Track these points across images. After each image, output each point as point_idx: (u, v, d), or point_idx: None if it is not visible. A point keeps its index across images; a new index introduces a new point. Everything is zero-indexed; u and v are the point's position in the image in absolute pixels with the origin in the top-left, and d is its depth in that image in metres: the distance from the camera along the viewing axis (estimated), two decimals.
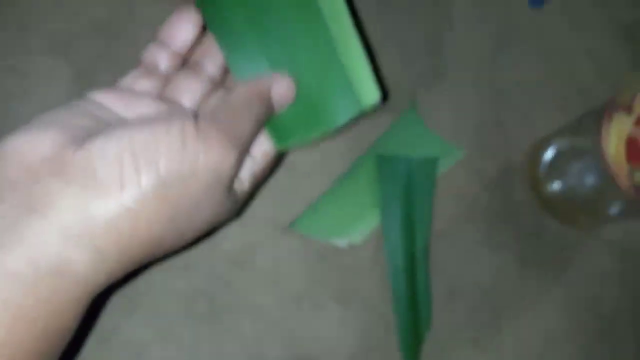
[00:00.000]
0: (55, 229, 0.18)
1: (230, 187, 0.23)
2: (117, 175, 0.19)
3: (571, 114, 0.36)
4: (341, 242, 0.33)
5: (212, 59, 0.27)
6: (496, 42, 0.36)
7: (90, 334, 0.29)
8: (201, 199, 0.21)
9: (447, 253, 0.34)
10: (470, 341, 0.33)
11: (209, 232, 0.26)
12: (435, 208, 0.34)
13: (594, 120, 0.32)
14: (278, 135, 0.26)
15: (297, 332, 0.31)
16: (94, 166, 0.19)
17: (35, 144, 0.20)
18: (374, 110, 0.27)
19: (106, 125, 0.22)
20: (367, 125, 0.35)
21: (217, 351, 0.30)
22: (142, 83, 0.25)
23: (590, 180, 0.33)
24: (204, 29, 0.27)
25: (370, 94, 0.25)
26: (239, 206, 0.25)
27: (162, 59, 0.26)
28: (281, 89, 0.25)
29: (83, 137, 0.20)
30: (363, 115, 0.27)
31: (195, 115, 0.22)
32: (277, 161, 0.28)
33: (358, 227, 0.33)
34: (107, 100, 0.23)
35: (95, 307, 0.28)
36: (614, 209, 0.33)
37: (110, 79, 0.32)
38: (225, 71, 0.28)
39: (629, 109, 0.26)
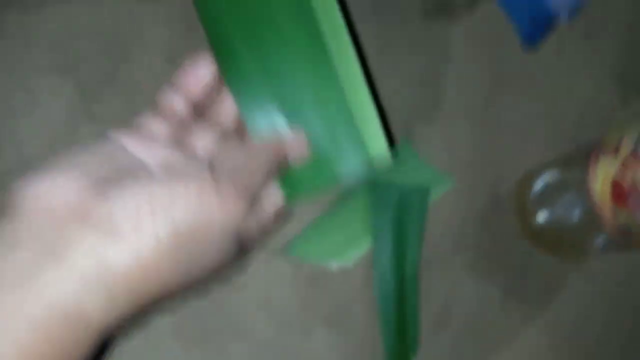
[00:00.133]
0: (73, 275, 0.19)
1: (239, 236, 0.24)
2: (135, 226, 0.20)
3: (560, 152, 0.37)
4: (332, 266, 0.33)
5: (227, 109, 0.28)
6: (491, 79, 0.37)
7: None
8: (211, 248, 0.22)
9: (434, 281, 0.35)
10: None
11: (216, 281, 0.26)
12: (424, 236, 0.35)
13: (582, 157, 0.33)
14: (288, 189, 0.27)
15: (287, 355, 0.32)
16: (114, 216, 0.20)
17: (59, 190, 0.20)
18: (384, 164, 0.28)
19: (126, 170, 0.22)
20: None
21: None
22: (157, 125, 0.26)
23: (576, 214, 0.34)
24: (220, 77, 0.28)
25: (379, 150, 0.26)
26: (247, 255, 0.26)
27: (177, 104, 0.26)
28: (296, 145, 0.26)
29: (104, 185, 0.21)
30: (373, 171, 0.27)
31: (212, 167, 0.23)
32: (286, 213, 0.28)
33: (349, 251, 0.34)
34: (127, 141, 0.24)
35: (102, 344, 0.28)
36: (599, 243, 0.34)
37: (114, 98, 0.33)
38: (239, 121, 0.28)
39: (615, 152, 0.27)
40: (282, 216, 0.28)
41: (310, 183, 0.27)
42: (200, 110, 0.27)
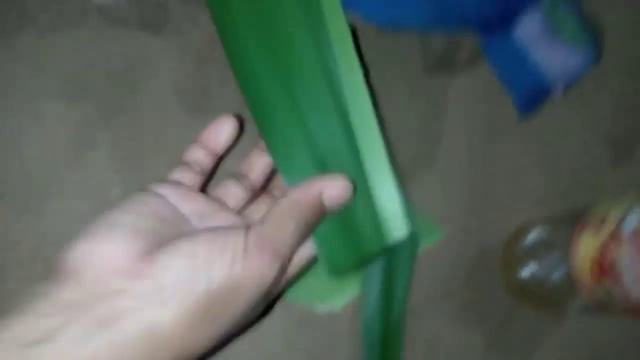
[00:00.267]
0: (123, 342, 0.20)
1: (268, 294, 0.24)
2: (178, 287, 0.21)
3: (551, 208, 0.38)
4: (321, 308, 0.34)
5: (254, 165, 0.30)
6: (487, 133, 0.38)
7: None
8: (242, 305, 0.23)
9: (419, 327, 0.36)
10: None
11: (240, 333, 0.27)
12: (412, 282, 0.36)
13: (570, 220, 0.34)
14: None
15: None
16: (160, 279, 0.21)
17: (107, 255, 0.21)
18: (402, 243, 0.28)
19: (169, 222, 0.24)
20: None
21: None
22: (189, 177, 0.27)
23: (558, 274, 0.35)
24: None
25: (398, 229, 0.27)
26: (269, 306, 0.27)
27: (203, 159, 0.28)
28: (334, 190, 0.25)
29: (151, 246, 0.22)
30: (390, 249, 0.28)
31: (246, 227, 0.24)
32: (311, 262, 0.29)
33: (338, 295, 0.35)
34: (167, 193, 0.25)
35: None
36: (578, 306, 0.35)
37: (120, 128, 0.34)
38: (269, 178, 0.31)
39: (599, 228, 0.28)
40: (309, 266, 0.28)
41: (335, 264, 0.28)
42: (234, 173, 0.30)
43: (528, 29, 0.34)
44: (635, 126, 0.41)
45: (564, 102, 0.39)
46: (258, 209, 0.30)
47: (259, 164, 0.30)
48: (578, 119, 0.40)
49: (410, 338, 0.35)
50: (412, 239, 0.36)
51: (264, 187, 0.32)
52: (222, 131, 0.28)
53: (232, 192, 0.29)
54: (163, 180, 0.27)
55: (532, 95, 0.36)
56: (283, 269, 0.24)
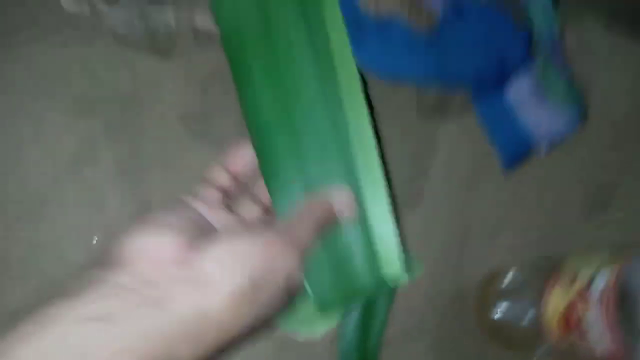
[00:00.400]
0: (171, 325, 0.22)
1: (292, 284, 0.27)
2: (223, 275, 0.23)
3: (526, 253, 0.40)
4: (300, 335, 0.36)
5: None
6: (471, 176, 0.40)
7: None
8: (275, 293, 0.25)
9: None
10: None
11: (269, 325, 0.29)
12: (389, 317, 0.38)
13: (542, 269, 0.36)
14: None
15: None
16: (207, 267, 0.23)
17: (162, 244, 0.23)
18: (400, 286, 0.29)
19: (205, 229, 0.26)
20: None
21: None
22: (212, 194, 0.29)
23: (529, 318, 0.36)
24: None
25: (394, 271, 0.29)
26: (291, 300, 0.29)
27: (224, 179, 0.30)
28: (342, 198, 0.29)
29: (196, 240, 0.24)
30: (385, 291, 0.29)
31: (270, 226, 0.27)
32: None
33: (320, 324, 0.36)
34: (198, 206, 0.28)
35: None
36: (546, 349, 0.36)
37: (121, 146, 0.35)
38: None
39: (569, 284, 0.30)
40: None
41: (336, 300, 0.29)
42: (244, 187, 0.31)
43: (519, 90, 0.36)
44: (610, 180, 0.43)
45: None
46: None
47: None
48: (557, 170, 0.42)
49: None
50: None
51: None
52: (243, 156, 0.30)
53: (250, 210, 0.31)
54: (190, 194, 0.29)
55: (517, 152, 0.38)
56: (302, 262, 0.27)
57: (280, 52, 0.29)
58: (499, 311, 0.38)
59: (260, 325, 0.26)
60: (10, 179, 0.34)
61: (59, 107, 0.34)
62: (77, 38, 0.34)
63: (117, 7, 0.32)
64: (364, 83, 0.29)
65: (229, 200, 0.30)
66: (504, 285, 0.39)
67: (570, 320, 0.29)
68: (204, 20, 0.33)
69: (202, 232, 0.26)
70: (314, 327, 0.36)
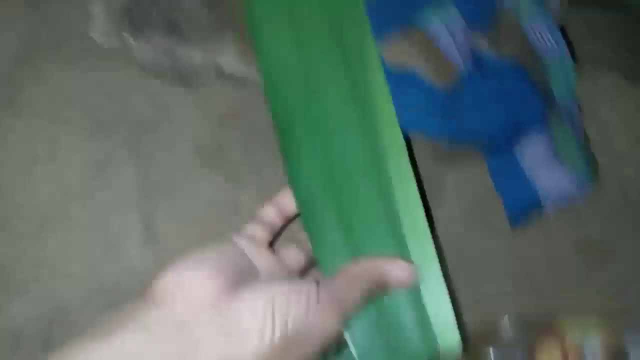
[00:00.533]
0: None
1: (329, 346, 0.26)
2: (259, 326, 0.22)
3: (525, 305, 0.40)
4: None
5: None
6: (472, 225, 0.40)
7: None
8: (309, 351, 0.24)
9: None
10: None
11: None
12: None
13: (536, 325, 0.36)
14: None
15: None
16: (243, 316, 0.22)
17: (202, 286, 0.23)
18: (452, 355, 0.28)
19: (247, 271, 0.25)
20: None
21: None
22: (260, 233, 0.29)
23: None
24: None
25: (450, 340, 0.28)
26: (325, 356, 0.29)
27: (273, 218, 0.30)
28: (400, 271, 0.28)
29: (233, 285, 0.23)
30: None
31: (317, 282, 0.26)
32: None
33: None
34: (243, 245, 0.27)
35: None
36: None
37: (131, 170, 0.35)
38: None
39: (561, 343, 0.30)
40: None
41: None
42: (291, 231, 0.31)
43: (531, 150, 0.36)
44: (611, 236, 0.43)
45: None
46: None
47: None
48: (559, 223, 0.42)
49: None
50: None
51: None
52: (293, 201, 0.30)
53: (294, 256, 0.30)
54: (237, 231, 0.29)
55: (525, 210, 0.38)
56: (342, 323, 0.26)
57: (324, 113, 0.29)
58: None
59: None
60: (19, 195, 0.34)
61: (76, 130, 0.34)
62: (101, 65, 0.34)
63: (146, 43, 0.32)
64: (409, 146, 0.29)
65: (274, 241, 0.30)
66: (497, 338, 0.39)
67: None
68: (228, 62, 0.33)
69: (243, 273, 0.25)
70: None
